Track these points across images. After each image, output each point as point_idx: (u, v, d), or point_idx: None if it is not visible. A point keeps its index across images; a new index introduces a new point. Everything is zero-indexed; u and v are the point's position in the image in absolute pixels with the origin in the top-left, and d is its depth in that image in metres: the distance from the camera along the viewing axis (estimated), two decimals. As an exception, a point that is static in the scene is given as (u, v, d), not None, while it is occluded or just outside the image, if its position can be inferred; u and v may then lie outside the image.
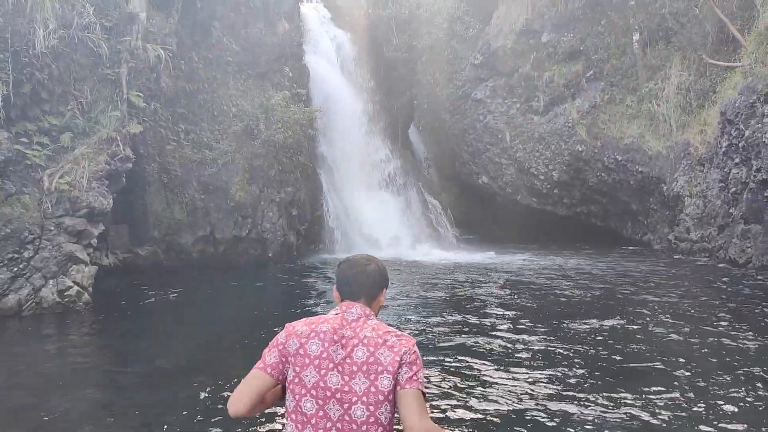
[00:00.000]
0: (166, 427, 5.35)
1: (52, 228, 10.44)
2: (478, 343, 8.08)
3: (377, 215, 20.52)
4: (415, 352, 2.18)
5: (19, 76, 10.24)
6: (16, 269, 9.86)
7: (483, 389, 6.22)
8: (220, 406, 5.64)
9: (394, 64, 23.57)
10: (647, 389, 6.16)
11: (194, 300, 12.06)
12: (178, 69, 15.09)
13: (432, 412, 5.37)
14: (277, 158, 17.51)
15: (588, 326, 8.99)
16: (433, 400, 5.75)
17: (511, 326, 8.92)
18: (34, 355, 7.96)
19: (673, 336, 8.38)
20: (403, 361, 2.14)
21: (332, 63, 21.99)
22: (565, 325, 9.06)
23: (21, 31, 10.15)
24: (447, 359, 7.27)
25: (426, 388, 2.18)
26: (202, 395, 6.05)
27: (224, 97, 17.32)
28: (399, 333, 2.23)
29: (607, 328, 8.89)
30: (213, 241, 16.55)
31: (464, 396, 6.00)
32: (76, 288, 10.54)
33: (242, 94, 17.73)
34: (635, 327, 8.96)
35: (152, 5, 13.47)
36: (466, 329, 8.79)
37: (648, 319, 9.47)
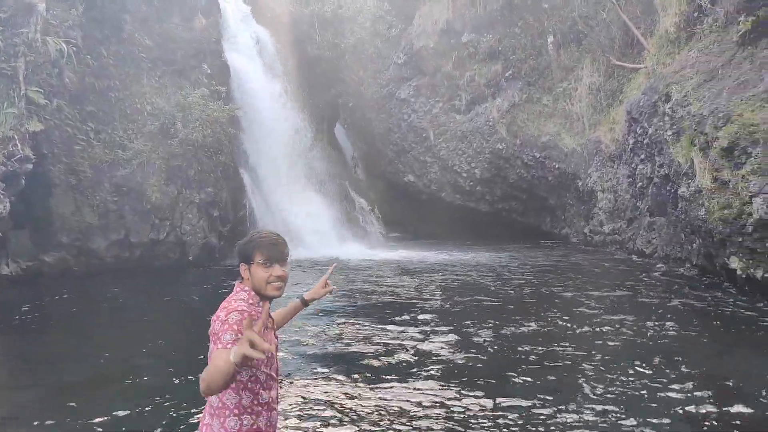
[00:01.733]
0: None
1: (-59, 235, 9.60)
2: (379, 344, 8.10)
3: (303, 214, 20.27)
4: (218, 316, 2.41)
5: None
6: None
7: (361, 403, 6.23)
8: (132, 417, 5.34)
9: (317, 62, 23.37)
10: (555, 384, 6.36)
11: (106, 308, 11.43)
12: (84, 64, 14.29)
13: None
14: (196, 158, 16.95)
15: (502, 321, 9.23)
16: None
17: (423, 325, 8.95)
18: None
19: (585, 328, 8.74)
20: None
21: (253, 60, 21.49)
22: (480, 322, 9.25)
23: None
24: (338, 364, 7.24)
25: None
26: (116, 409, 5.71)
27: (138, 94, 16.58)
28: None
29: (522, 323, 9.15)
30: (128, 245, 15.82)
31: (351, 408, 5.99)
32: (-31, 300, 9.72)
33: (158, 92, 17.04)
34: (549, 321, 9.28)
35: (53, -4, 12.67)
36: (375, 331, 8.74)
37: (561, 311, 9.84)
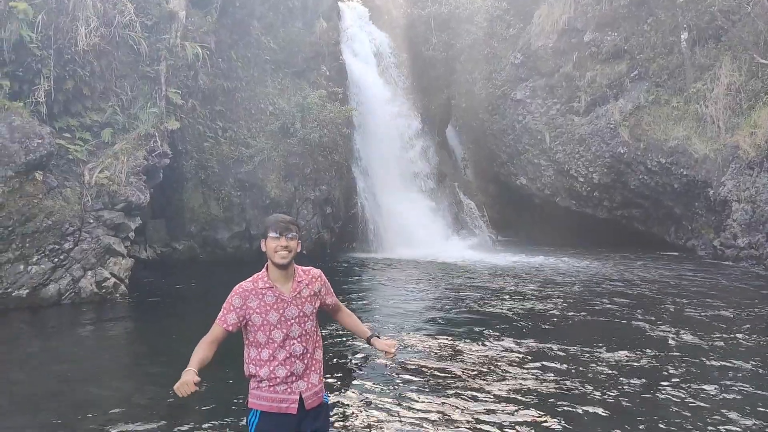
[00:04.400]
0: (190, 419, 5.39)
1: (92, 221, 10.72)
2: (477, 352, 7.88)
3: (412, 215, 20.41)
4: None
5: (61, 73, 10.57)
6: (56, 260, 10.16)
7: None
8: (242, 397, 5.64)
9: (432, 63, 23.41)
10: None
11: (226, 296, 12.19)
12: (216, 67, 15.34)
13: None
14: (312, 156, 17.60)
15: (617, 347, 8.69)
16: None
17: (528, 340, 8.52)
18: (69, 343, 8.18)
19: (711, 355, 8.00)
20: None
21: (370, 62, 21.97)
22: (589, 340, 8.77)
23: (64, 29, 10.47)
24: (440, 362, 7.12)
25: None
26: (229, 387, 6.07)
27: (261, 95, 17.52)
28: None
29: (638, 350, 8.56)
30: (248, 237, 16.76)
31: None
32: (113, 279, 10.80)
33: (279, 93, 17.91)
34: (676, 341, 8.61)
35: (192, 4, 13.73)
36: (478, 337, 8.49)
37: (688, 332, 9.09)
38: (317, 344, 3.20)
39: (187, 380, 2.92)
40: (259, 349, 3.06)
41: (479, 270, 15.75)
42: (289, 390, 3.05)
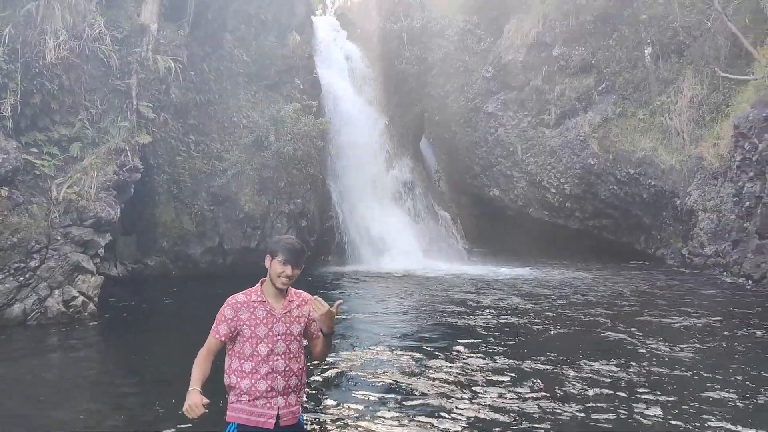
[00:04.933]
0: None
1: (59, 238, 10.46)
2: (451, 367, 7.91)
3: (387, 227, 20.44)
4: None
5: (29, 87, 10.34)
6: (21, 279, 9.87)
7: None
8: (220, 415, 5.53)
9: (405, 76, 23.59)
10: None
11: (200, 311, 11.99)
12: (188, 80, 15.18)
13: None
14: (286, 170, 17.50)
15: (592, 355, 8.81)
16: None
17: (499, 351, 8.52)
18: (37, 365, 7.93)
19: (683, 357, 8.16)
20: None
21: (343, 75, 22.06)
22: (550, 353, 8.88)
23: (31, 42, 10.27)
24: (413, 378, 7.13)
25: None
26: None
27: (235, 108, 17.41)
28: None
29: (614, 355, 8.69)
30: (222, 252, 16.54)
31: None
32: (81, 298, 10.52)
33: (253, 106, 17.81)
34: (644, 347, 8.75)
35: (164, 17, 13.60)
36: (452, 353, 8.43)
37: (662, 341, 9.26)
38: (300, 365, 3.25)
39: (195, 402, 3.02)
40: (242, 361, 3.14)
41: (453, 282, 15.82)
42: (268, 405, 3.10)
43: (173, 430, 5.48)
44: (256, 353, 3.12)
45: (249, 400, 3.11)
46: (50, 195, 10.54)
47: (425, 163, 26.80)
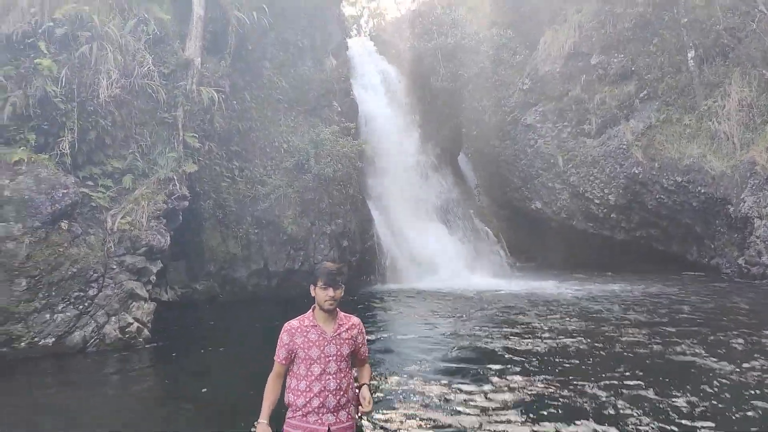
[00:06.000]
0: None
1: (115, 266, 10.88)
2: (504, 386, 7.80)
3: (428, 244, 20.43)
4: None
5: (84, 124, 10.87)
6: (81, 307, 10.29)
7: None
8: None
9: (440, 93, 23.71)
10: None
11: (248, 334, 12.25)
12: (230, 109, 15.67)
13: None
14: (327, 191, 17.77)
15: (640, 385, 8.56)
16: None
17: (548, 378, 8.28)
18: (98, 393, 8.23)
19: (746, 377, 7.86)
20: None
21: (379, 95, 22.32)
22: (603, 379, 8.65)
23: (86, 82, 10.81)
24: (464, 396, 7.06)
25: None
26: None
27: (276, 133, 17.82)
28: None
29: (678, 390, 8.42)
30: (267, 274, 16.85)
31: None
32: (136, 324, 10.89)
33: (293, 130, 18.19)
34: (712, 366, 8.46)
35: (206, 50, 14.10)
36: (497, 379, 8.31)
37: (723, 360, 8.93)
38: (350, 384, 3.58)
39: None
40: (298, 381, 3.47)
41: (497, 299, 15.65)
42: (319, 421, 3.41)
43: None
44: (310, 373, 3.44)
45: (302, 416, 3.42)
46: (106, 225, 10.99)
47: (464, 178, 26.75)
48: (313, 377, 3.44)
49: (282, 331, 3.54)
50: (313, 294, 3.56)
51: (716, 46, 20.17)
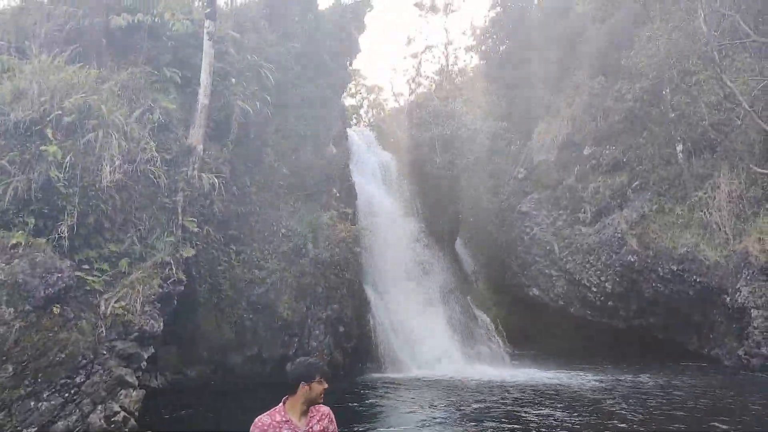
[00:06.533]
0: None
1: (105, 352, 10.68)
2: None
3: (425, 332, 20.13)
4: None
5: (85, 208, 11.05)
6: (67, 395, 10.00)
7: None
8: None
9: (437, 180, 24.25)
10: None
11: (242, 425, 11.81)
12: (230, 194, 15.95)
13: None
14: (324, 275, 17.73)
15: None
16: None
17: None
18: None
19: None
20: None
21: (378, 182, 22.80)
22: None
23: (90, 168, 11.09)
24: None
25: None
26: None
27: (274, 218, 18.01)
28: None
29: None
30: (261, 360, 16.48)
31: None
32: (122, 413, 10.54)
33: (291, 215, 18.41)
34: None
35: (209, 137, 14.57)
36: None
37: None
38: None
39: None
40: None
41: (494, 390, 15.25)
42: None
43: None
44: None
45: None
46: (99, 310, 10.89)
47: (462, 264, 26.81)
48: None
49: (253, 427, 3.49)
50: (302, 390, 3.55)
51: (704, 140, 20.87)
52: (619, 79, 23.13)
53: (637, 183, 22.14)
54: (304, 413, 3.56)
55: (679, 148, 21.16)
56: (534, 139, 25.70)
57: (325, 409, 3.70)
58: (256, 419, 3.52)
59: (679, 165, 21.18)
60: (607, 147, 23.17)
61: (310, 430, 3.54)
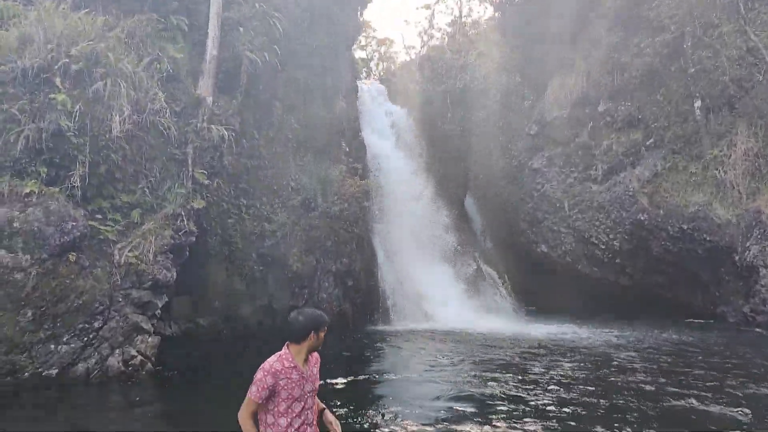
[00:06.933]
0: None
1: (120, 300, 10.94)
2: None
3: (433, 286, 20.37)
4: (256, 374, 3.70)
5: (96, 158, 11.11)
6: (86, 339, 10.31)
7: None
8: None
9: (448, 136, 24.05)
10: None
11: (250, 371, 12.14)
12: (240, 147, 15.94)
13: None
14: (333, 229, 17.87)
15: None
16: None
17: (560, 422, 8.23)
18: (100, 423, 8.19)
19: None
20: None
21: (388, 137, 22.65)
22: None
23: (99, 117, 11.10)
24: None
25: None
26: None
27: (284, 172, 18.04)
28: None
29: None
30: (271, 311, 16.80)
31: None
32: (140, 357, 10.87)
33: (301, 169, 18.42)
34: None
35: (218, 89, 14.45)
36: (503, 416, 8.29)
37: (735, 410, 8.78)
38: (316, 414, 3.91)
39: None
40: (277, 417, 3.66)
41: (500, 342, 15.50)
42: None
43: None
44: (291, 410, 3.66)
45: None
46: (113, 259, 11.09)
47: (470, 221, 26.83)
48: (294, 414, 3.67)
49: (265, 373, 3.67)
50: (311, 339, 3.78)
51: (723, 97, 20.41)
52: (638, 32, 22.49)
53: (651, 141, 21.83)
54: (306, 360, 3.79)
55: (697, 104, 20.74)
56: (548, 95, 25.24)
57: (316, 354, 3.96)
58: (266, 365, 3.70)
59: (696, 122, 20.80)
60: (623, 103, 22.75)
61: (312, 374, 3.80)
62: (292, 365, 3.71)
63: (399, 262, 20.43)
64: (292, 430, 3.66)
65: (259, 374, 3.69)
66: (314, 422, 3.82)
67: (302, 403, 3.71)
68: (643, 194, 21.23)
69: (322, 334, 3.83)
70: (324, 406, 4.02)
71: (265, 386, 3.65)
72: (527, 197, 25.40)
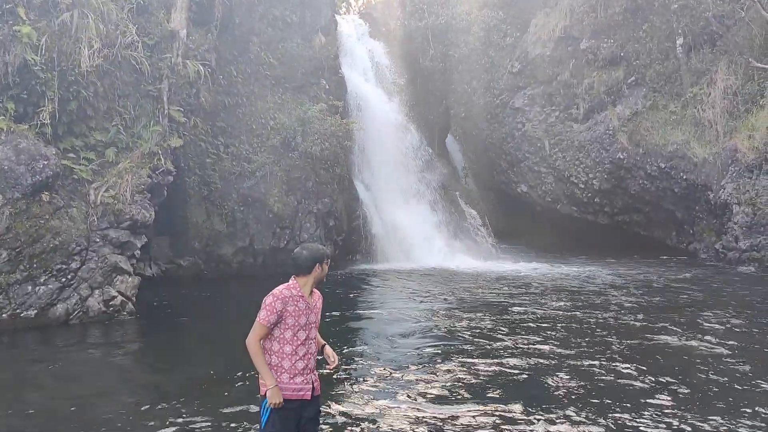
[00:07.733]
0: (206, 424, 5.47)
1: (98, 240, 10.80)
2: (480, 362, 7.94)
3: (414, 225, 20.46)
4: (264, 299, 3.79)
5: (65, 94, 10.69)
6: (64, 280, 10.23)
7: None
8: (253, 413, 5.71)
9: (430, 73, 23.58)
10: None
11: (234, 310, 12.26)
12: (217, 84, 15.47)
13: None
14: (314, 170, 17.69)
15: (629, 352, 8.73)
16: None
17: (521, 351, 8.50)
18: (81, 364, 8.23)
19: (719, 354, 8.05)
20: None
21: (368, 75, 22.13)
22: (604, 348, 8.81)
23: (67, 51, 10.60)
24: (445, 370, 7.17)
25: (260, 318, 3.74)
26: (236, 405, 6.14)
27: (262, 110, 17.64)
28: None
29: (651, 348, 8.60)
30: (252, 251, 16.81)
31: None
32: (120, 298, 10.85)
33: (280, 107, 18.02)
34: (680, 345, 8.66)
35: (192, 22, 13.86)
36: (480, 353, 8.57)
37: (693, 337, 9.14)
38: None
39: (280, 401, 3.70)
40: (282, 345, 3.77)
41: (480, 279, 15.81)
42: (305, 380, 3.79)
43: (210, 421, 5.68)
44: (296, 338, 3.77)
45: (290, 378, 3.75)
46: (88, 199, 10.88)
47: (452, 160, 26.76)
48: (299, 342, 3.78)
49: (275, 298, 3.74)
50: (317, 271, 3.90)
51: (705, 34, 20.26)
52: (623, -34, 21.97)
53: (632, 78, 21.72)
54: (311, 292, 3.89)
55: (679, 41, 20.56)
56: (530, 32, 24.75)
57: (318, 292, 4.07)
58: (276, 290, 3.78)
59: (678, 60, 20.70)
60: (605, 40, 22.46)
61: (315, 306, 3.93)
62: (300, 294, 3.82)
63: (380, 201, 20.42)
64: (296, 357, 3.78)
65: (269, 299, 3.77)
66: (316, 353, 3.95)
67: (306, 332, 3.82)
68: (623, 133, 21.31)
69: (326, 266, 3.96)
70: (324, 342, 4.12)
71: (275, 311, 3.73)
72: (508, 137, 25.33)
